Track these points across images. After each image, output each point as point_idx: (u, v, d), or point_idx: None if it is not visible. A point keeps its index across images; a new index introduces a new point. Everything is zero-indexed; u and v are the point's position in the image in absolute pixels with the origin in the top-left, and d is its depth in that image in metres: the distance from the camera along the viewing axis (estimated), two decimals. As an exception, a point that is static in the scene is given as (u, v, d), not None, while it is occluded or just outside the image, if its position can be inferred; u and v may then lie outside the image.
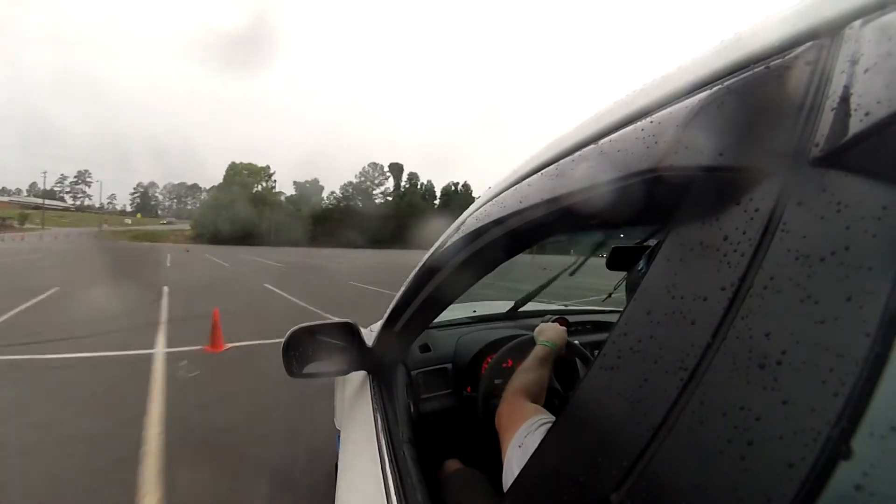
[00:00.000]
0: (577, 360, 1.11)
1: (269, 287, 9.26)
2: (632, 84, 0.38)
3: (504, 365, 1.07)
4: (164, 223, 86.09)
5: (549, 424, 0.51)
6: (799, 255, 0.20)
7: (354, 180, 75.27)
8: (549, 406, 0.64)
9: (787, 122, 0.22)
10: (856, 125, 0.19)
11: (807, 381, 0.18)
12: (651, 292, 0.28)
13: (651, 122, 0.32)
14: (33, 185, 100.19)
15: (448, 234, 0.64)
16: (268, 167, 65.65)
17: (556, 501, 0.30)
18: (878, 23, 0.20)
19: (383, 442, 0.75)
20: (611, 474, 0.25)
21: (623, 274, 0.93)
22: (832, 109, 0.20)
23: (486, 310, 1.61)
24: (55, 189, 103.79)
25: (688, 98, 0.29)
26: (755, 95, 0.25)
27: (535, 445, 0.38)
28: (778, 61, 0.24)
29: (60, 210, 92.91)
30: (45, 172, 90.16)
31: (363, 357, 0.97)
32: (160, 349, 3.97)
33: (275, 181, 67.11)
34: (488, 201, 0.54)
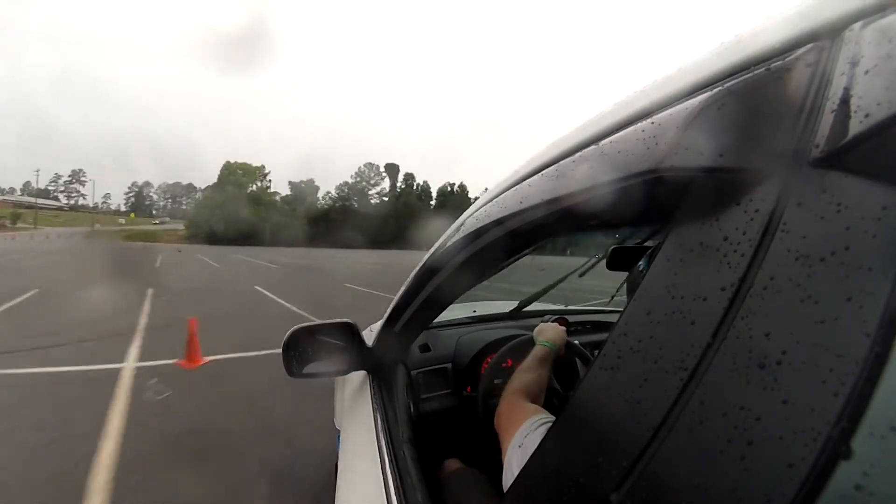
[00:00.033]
0: (577, 360, 1.11)
1: (260, 289, 8.76)
2: (632, 85, 0.38)
3: (504, 365, 1.07)
4: (155, 223, 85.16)
5: (549, 424, 0.51)
6: (799, 255, 0.20)
7: (350, 180, 75.35)
8: (548, 406, 0.64)
9: (788, 123, 0.22)
10: (856, 126, 0.19)
11: (807, 381, 0.18)
12: (651, 292, 0.28)
13: (652, 123, 0.32)
14: (27, 184, 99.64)
15: (448, 234, 0.64)
16: (263, 167, 65.35)
17: (556, 501, 0.30)
18: (878, 25, 0.20)
19: (383, 442, 0.75)
20: (611, 474, 0.25)
21: (625, 276, 0.93)
22: (832, 111, 0.21)
23: (486, 310, 1.62)
24: (49, 188, 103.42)
25: (688, 99, 0.30)
26: (756, 97, 0.25)
27: (535, 445, 0.38)
28: (778, 63, 0.24)
29: (54, 209, 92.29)
30: (37, 171, 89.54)
31: (363, 357, 0.97)
32: (130, 363, 3.51)
33: (269, 181, 66.95)
34: (489, 202, 0.54)
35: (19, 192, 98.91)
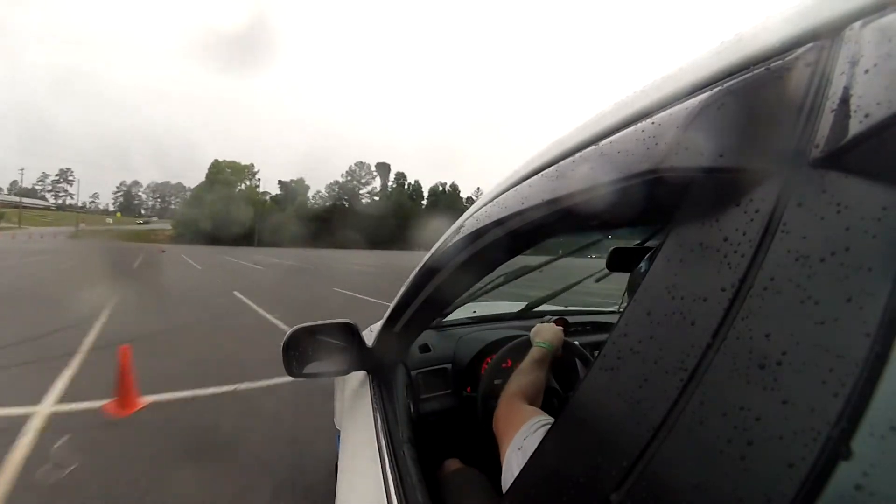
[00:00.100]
0: (577, 360, 1.11)
1: (238, 296, 7.83)
2: (632, 85, 0.38)
3: (504, 365, 1.07)
4: (139, 223, 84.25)
5: (549, 425, 0.51)
6: (799, 255, 0.20)
7: (341, 180, 75.18)
8: (548, 406, 0.64)
9: (787, 123, 0.22)
10: (856, 126, 0.19)
11: (807, 381, 0.18)
12: (651, 293, 0.28)
13: (651, 123, 0.32)
14: (13, 183, 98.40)
15: (448, 234, 0.64)
16: (251, 165, 64.95)
17: (556, 501, 0.30)
18: (878, 24, 0.20)
19: (383, 442, 0.75)
20: (611, 475, 0.25)
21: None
22: (832, 111, 0.20)
23: (486, 310, 1.62)
24: (37, 187, 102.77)
25: (688, 99, 0.29)
26: (755, 97, 0.25)
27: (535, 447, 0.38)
28: (778, 62, 0.24)
29: (41, 209, 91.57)
30: (22, 169, 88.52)
31: (363, 357, 0.98)
32: (46, 406, 2.62)
33: (259, 180, 66.69)
34: (489, 202, 0.54)
35: (6, 192, 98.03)
